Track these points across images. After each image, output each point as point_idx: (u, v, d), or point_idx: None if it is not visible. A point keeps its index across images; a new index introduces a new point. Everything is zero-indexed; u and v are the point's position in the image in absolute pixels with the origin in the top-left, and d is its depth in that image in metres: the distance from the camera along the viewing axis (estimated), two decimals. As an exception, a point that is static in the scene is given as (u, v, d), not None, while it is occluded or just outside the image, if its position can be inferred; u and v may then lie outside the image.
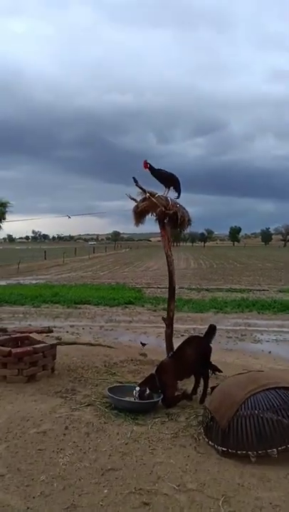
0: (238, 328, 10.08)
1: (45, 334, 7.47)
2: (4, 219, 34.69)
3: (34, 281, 20.66)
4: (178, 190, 5.29)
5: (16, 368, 4.87)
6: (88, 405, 4.28)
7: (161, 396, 4.30)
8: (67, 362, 5.84)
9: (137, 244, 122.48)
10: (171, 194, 5.27)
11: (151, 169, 5.15)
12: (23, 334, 5.52)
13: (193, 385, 4.67)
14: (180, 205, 5.20)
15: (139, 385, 4.29)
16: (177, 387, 4.54)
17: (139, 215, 5.19)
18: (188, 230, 5.49)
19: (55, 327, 9.45)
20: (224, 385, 3.77)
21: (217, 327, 10.13)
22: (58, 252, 45.51)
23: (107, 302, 13.45)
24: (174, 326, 10.18)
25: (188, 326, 10.04)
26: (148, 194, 4.94)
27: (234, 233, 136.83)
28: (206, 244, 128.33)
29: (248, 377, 3.64)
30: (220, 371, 4.69)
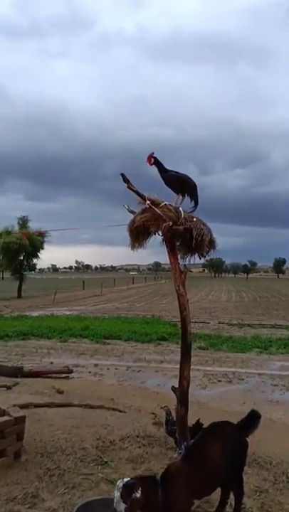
0: (285, 373, 8.60)
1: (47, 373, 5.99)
2: (43, 248, 34.98)
3: (68, 313, 20.12)
4: (194, 198, 3.66)
5: None
6: (45, 537, 2.67)
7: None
8: (45, 438, 4.14)
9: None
10: (186, 206, 3.64)
11: (159, 167, 3.54)
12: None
13: (218, 503, 2.92)
14: (198, 218, 3.52)
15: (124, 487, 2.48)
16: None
17: (136, 234, 3.52)
18: (211, 255, 3.67)
19: (77, 366, 8.70)
20: None
21: (261, 372, 8.30)
22: (98, 282, 45.47)
23: (139, 338, 12.39)
24: (210, 368, 8.61)
25: (227, 368, 8.85)
26: (148, 202, 3.28)
27: (278, 265, 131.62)
28: (249, 276, 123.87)
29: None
30: None
